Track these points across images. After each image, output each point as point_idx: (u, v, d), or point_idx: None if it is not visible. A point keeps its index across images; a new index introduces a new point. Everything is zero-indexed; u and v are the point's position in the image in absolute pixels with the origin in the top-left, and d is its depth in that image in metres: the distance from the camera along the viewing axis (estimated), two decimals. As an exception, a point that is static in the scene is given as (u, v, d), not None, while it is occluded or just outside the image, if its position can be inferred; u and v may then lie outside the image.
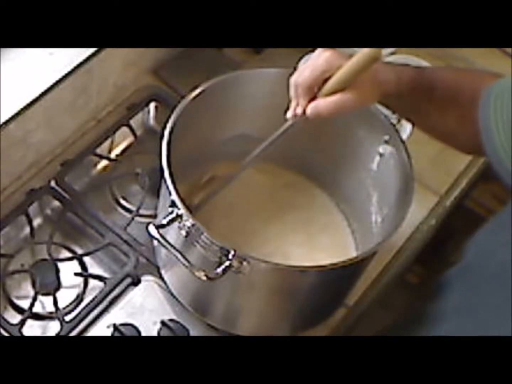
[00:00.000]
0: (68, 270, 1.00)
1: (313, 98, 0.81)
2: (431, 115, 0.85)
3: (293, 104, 0.84)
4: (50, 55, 1.01)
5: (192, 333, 0.95)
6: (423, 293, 0.94)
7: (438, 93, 0.83)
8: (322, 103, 0.80)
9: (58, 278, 0.99)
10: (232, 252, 0.78)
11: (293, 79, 0.83)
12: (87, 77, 1.06)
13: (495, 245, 0.82)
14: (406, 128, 1.12)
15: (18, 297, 0.99)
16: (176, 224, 0.82)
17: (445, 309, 0.85)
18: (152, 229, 0.80)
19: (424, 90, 0.84)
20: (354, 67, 0.78)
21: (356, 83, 0.79)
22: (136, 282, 0.99)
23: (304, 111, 0.82)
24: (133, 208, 1.06)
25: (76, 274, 1.00)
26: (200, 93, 0.90)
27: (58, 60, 1.01)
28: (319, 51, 0.83)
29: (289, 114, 0.85)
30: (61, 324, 0.94)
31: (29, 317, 0.95)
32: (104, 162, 1.12)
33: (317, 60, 0.81)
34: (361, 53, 0.78)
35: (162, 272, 0.97)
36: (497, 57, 1.28)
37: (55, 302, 0.96)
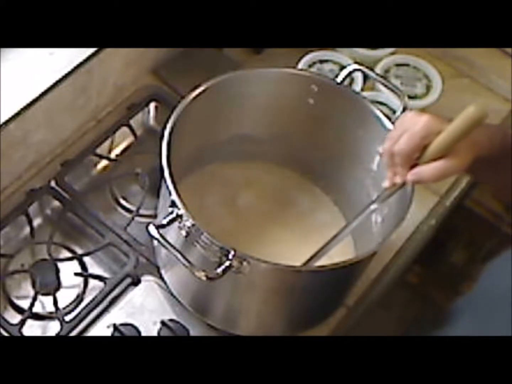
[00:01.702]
0: (68, 270, 1.00)
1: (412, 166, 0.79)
2: None
3: (389, 174, 0.81)
4: (50, 55, 1.01)
5: (192, 333, 0.95)
6: (423, 294, 0.94)
7: None
8: (426, 171, 0.77)
9: (58, 278, 0.99)
10: (232, 252, 0.78)
11: (387, 147, 0.80)
12: (87, 77, 1.06)
13: (507, 271, 0.81)
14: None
15: (18, 297, 0.99)
16: (176, 224, 0.82)
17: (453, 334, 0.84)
18: (152, 229, 0.80)
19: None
20: (457, 131, 0.75)
21: (454, 148, 0.76)
22: (136, 282, 0.99)
23: (403, 180, 0.80)
24: (133, 208, 1.06)
25: (76, 274, 1.00)
26: (200, 93, 0.90)
27: (58, 60, 1.01)
28: (413, 115, 0.79)
29: (387, 184, 0.82)
30: (61, 324, 0.94)
31: (29, 317, 0.95)
32: (104, 162, 1.12)
33: (414, 126, 0.77)
34: (464, 116, 0.74)
35: (162, 272, 0.97)
36: (497, 57, 1.28)
37: (55, 302, 0.96)
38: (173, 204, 0.81)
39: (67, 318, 0.95)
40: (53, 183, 1.05)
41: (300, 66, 1.18)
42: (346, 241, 1.01)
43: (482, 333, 0.78)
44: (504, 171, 0.83)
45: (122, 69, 1.14)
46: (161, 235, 0.80)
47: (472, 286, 0.88)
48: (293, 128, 1.01)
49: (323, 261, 0.84)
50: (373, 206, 0.86)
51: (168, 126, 0.87)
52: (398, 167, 0.80)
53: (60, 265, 1.00)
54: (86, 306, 0.96)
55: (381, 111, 0.92)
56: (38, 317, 0.97)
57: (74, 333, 0.94)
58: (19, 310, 0.98)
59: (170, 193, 0.81)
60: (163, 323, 0.95)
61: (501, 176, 0.84)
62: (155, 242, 0.81)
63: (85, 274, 1.01)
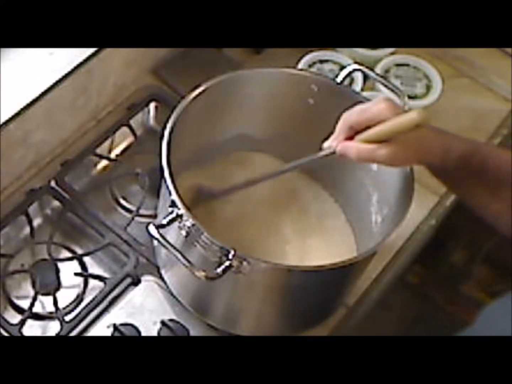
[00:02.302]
0: (68, 270, 1.00)
1: (351, 139, 0.81)
2: (479, 195, 0.82)
3: (333, 136, 0.83)
4: (50, 55, 1.01)
5: (192, 333, 0.95)
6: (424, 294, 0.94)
7: (490, 175, 0.80)
8: (354, 147, 0.79)
9: (58, 278, 0.99)
10: (232, 252, 0.78)
11: (345, 114, 0.82)
12: (87, 77, 1.06)
13: None
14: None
15: (18, 297, 0.99)
16: (176, 224, 0.82)
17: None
18: (152, 229, 0.80)
19: (473, 169, 0.80)
20: (394, 125, 0.76)
21: (397, 141, 0.77)
22: (136, 282, 0.99)
23: (334, 145, 0.82)
24: (133, 208, 1.06)
25: (76, 274, 1.00)
26: (200, 93, 0.90)
27: (58, 60, 1.01)
28: (380, 98, 0.80)
29: (326, 143, 0.84)
30: (61, 324, 0.94)
31: (29, 317, 0.95)
32: (104, 162, 1.12)
33: (372, 106, 0.79)
34: (407, 114, 0.76)
35: (162, 272, 0.97)
36: (497, 57, 1.28)
37: (55, 302, 0.96)
38: (173, 204, 0.81)
39: (67, 318, 0.95)
40: (53, 183, 1.05)
41: (300, 66, 1.18)
42: (347, 241, 1.01)
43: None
44: (472, 189, 0.82)
45: (122, 69, 1.14)
46: (161, 235, 0.80)
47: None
48: (293, 128, 1.01)
49: (323, 261, 0.83)
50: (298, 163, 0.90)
51: (168, 126, 0.87)
52: (338, 133, 0.82)
53: (60, 265, 1.00)
54: (86, 306, 0.96)
55: (381, 111, 0.92)
56: (38, 317, 0.97)
57: (74, 333, 0.94)
58: (19, 310, 0.98)
59: (170, 193, 0.81)
60: (163, 323, 0.95)
61: (469, 193, 0.84)
62: (155, 242, 0.81)
63: (85, 274, 1.01)
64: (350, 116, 0.81)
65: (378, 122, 0.78)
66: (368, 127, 0.79)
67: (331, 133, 0.99)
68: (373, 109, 0.79)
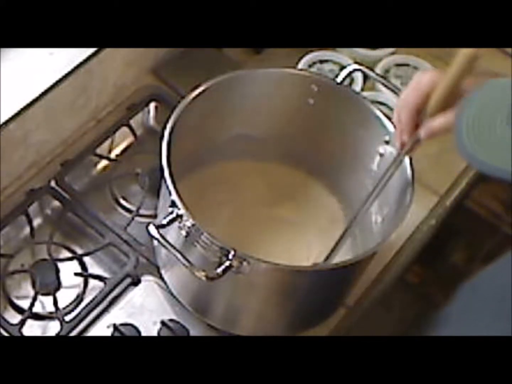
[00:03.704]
0: (68, 270, 1.00)
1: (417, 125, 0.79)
2: None
3: (396, 132, 0.82)
4: (50, 55, 1.01)
5: (192, 333, 0.95)
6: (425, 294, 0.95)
7: None
8: (436, 123, 0.77)
9: (58, 278, 0.99)
10: (232, 252, 0.78)
11: (397, 106, 0.80)
12: (87, 77, 1.06)
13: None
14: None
15: (18, 297, 0.99)
16: (176, 224, 0.82)
17: (450, 313, 0.85)
18: (152, 229, 0.80)
19: None
20: (455, 74, 0.75)
21: (460, 93, 0.75)
22: (136, 282, 0.99)
23: (411, 136, 0.80)
24: (133, 208, 1.06)
25: (76, 274, 1.00)
26: (200, 93, 0.90)
27: (58, 60, 1.01)
28: (418, 74, 0.80)
29: (397, 144, 0.82)
30: (61, 324, 0.94)
31: (29, 317, 0.95)
32: (104, 162, 1.12)
33: (419, 82, 0.78)
34: (459, 57, 0.74)
35: (162, 272, 0.97)
36: (497, 57, 1.27)
37: (55, 302, 0.96)
38: (173, 204, 0.81)
39: (67, 318, 0.95)
40: (53, 183, 1.05)
41: (300, 66, 1.18)
42: (349, 241, 1.01)
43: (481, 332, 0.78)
44: None
45: (122, 69, 1.14)
46: (161, 235, 0.80)
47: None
48: (293, 128, 1.01)
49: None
50: (390, 172, 0.86)
51: (168, 126, 0.87)
52: (405, 124, 0.79)
53: (60, 265, 1.00)
54: (86, 306, 0.96)
55: (381, 111, 0.92)
56: (38, 317, 0.97)
57: (74, 333, 0.94)
58: (19, 310, 0.98)
59: (170, 193, 0.81)
60: (163, 323, 0.95)
61: None
62: (155, 242, 0.81)
63: (85, 274, 1.01)
64: (409, 101, 0.78)
65: (433, 89, 0.77)
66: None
67: (331, 133, 0.99)
68: (424, 82, 0.77)
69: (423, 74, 0.79)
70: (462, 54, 0.74)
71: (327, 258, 0.90)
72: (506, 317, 0.78)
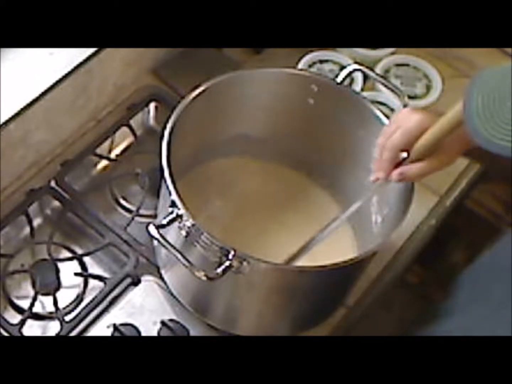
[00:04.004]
0: (68, 270, 1.00)
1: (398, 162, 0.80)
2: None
3: (375, 166, 0.82)
4: (50, 55, 1.01)
5: (192, 333, 0.95)
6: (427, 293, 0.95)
7: None
8: (410, 172, 0.79)
9: (58, 278, 0.99)
10: (232, 252, 0.78)
11: (380, 142, 0.81)
12: (87, 77, 1.06)
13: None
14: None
15: (18, 297, 0.99)
16: (176, 224, 0.82)
17: (460, 303, 0.86)
18: (152, 229, 0.80)
19: None
20: (446, 126, 0.75)
21: (444, 145, 0.77)
22: (136, 282, 0.99)
23: (387, 177, 0.81)
24: (133, 208, 1.06)
25: (76, 274, 1.00)
26: (200, 93, 0.90)
27: (58, 60, 1.01)
28: (405, 112, 0.80)
29: (372, 177, 0.83)
30: (61, 324, 0.94)
31: (29, 317, 0.95)
32: (104, 162, 1.12)
33: (408, 122, 0.78)
34: (453, 111, 0.74)
35: (162, 272, 0.97)
36: (497, 57, 1.28)
37: (55, 302, 0.96)
38: (173, 204, 0.81)
39: (67, 318, 0.95)
40: (53, 183, 1.05)
41: (300, 66, 1.18)
42: (347, 241, 1.01)
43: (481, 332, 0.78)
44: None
45: (122, 69, 1.14)
46: (161, 235, 0.80)
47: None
48: (293, 128, 1.01)
49: (323, 261, 0.83)
50: (357, 205, 0.87)
51: (168, 126, 0.87)
52: (385, 162, 0.80)
53: (60, 265, 1.00)
54: (86, 306, 0.96)
55: (381, 111, 0.92)
56: (38, 317, 0.97)
57: (74, 333, 0.94)
58: (19, 310, 0.98)
59: (170, 193, 0.81)
60: (163, 323, 0.95)
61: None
62: (155, 242, 0.81)
63: (85, 274, 1.01)
64: (394, 142, 0.79)
65: (421, 134, 0.77)
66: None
67: (331, 133, 0.99)
68: (412, 125, 0.78)
69: (410, 114, 0.79)
70: (457, 108, 0.74)
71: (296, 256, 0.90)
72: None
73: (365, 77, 1.16)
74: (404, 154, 0.80)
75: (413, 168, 0.79)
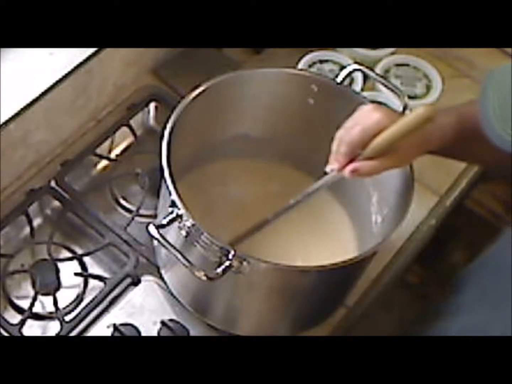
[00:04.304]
0: (68, 270, 1.00)
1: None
2: (484, 153, 0.81)
3: (332, 158, 0.83)
4: (50, 55, 1.01)
5: (192, 333, 0.95)
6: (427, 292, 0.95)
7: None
8: (363, 168, 0.80)
9: (58, 278, 0.99)
10: (232, 252, 0.78)
11: (339, 135, 0.82)
12: (87, 77, 1.06)
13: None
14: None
15: (18, 297, 0.99)
16: (176, 224, 0.82)
17: (461, 303, 0.86)
18: (152, 229, 0.80)
19: (468, 135, 0.81)
20: (405, 128, 0.76)
21: (399, 145, 0.78)
22: (136, 282, 0.99)
23: (341, 168, 0.82)
24: (133, 208, 1.06)
25: (76, 274, 1.00)
26: (200, 93, 0.90)
27: (58, 60, 1.01)
28: (367, 109, 0.81)
29: (329, 167, 0.84)
30: (61, 324, 0.94)
31: (29, 317, 0.95)
32: (104, 162, 1.12)
33: (367, 120, 0.79)
34: (413, 114, 0.75)
35: (162, 272, 0.97)
36: (497, 57, 1.28)
37: (55, 302, 0.96)
38: (173, 204, 0.81)
39: (67, 318, 0.95)
40: (53, 183, 1.05)
41: (300, 66, 1.18)
42: (347, 241, 1.01)
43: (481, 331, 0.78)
44: (475, 150, 0.84)
45: (122, 69, 1.14)
46: (161, 235, 0.80)
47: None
48: (293, 128, 1.01)
49: (323, 261, 0.83)
50: (309, 190, 0.89)
51: (168, 126, 0.87)
52: (341, 155, 0.81)
53: (60, 265, 1.00)
54: (86, 306, 0.96)
55: (381, 111, 0.92)
56: (38, 317, 0.97)
57: (74, 333, 0.94)
58: (19, 310, 0.98)
59: (170, 193, 0.81)
60: (163, 323, 0.95)
61: (474, 155, 0.86)
62: (155, 242, 0.81)
63: (85, 274, 1.01)
64: (351, 138, 0.80)
65: (379, 132, 0.78)
66: None
67: (331, 133, 0.99)
68: (371, 123, 0.79)
69: (371, 112, 0.80)
70: (417, 113, 0.75)
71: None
72: None
73: (365, 77, 1.16)
74: (360, 151, 0.81)
75: (366, 165, 0.79)
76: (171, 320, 0.95)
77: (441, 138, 0.81)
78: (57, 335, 0.94)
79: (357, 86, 1.16)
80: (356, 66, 0.96)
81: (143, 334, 0.94)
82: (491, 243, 0.90)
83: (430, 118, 0.75)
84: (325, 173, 0.84)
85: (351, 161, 0.81)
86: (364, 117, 0.80)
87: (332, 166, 0.83)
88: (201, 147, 0.99)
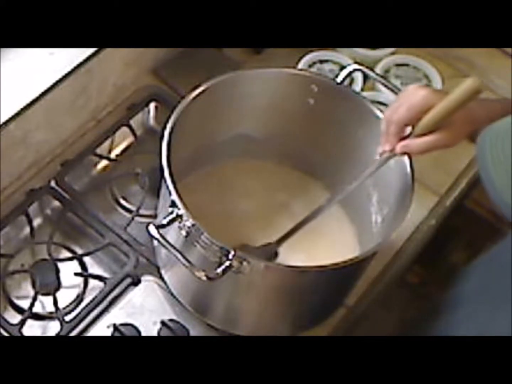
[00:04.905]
0: (68, 270, 1.00)
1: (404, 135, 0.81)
2: None
3: (382, 139, 0.84)
4: (50, 55, 1.01)
5: (192, 333, 0.95)
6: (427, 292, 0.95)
7: None
8: (414, 144, 0.80)
9: (58, 278, 0.99)
10: (232, 252, 0.78)
11: (386, 116, 0.82)
12: (87, 77, 1.06)
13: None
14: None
15: (18, 297, 0.99)
16: (176, 224, 0.82)
17: (461, 295, 0.86)
18: (152, 229, 0.80)
19: None
20: (452, 104, 0.76)
21: (450, 121, 0.78)
22: (136, 282, 0.99)
23: (392, 149, 0.82)
24: (133, 208, 1.06)
25: (76, 274, 1.00)
26: (200, 93, 0.90)
27: (58, 60, 1.01)
28: (412, 88, 0.81)
29: (379, 150, 0.84)
30: (61, 324, 0.94)
31: (29, 317, 0.95)
32: (104, 162, 1.12)
33: (413, 98, 0.80)
34: (461, 89, 0.75)
35: (162, 272, 0.97)
36: (497, 57, 1.28)
37: (55, 302, 0.96)
38: (173, 204, 0.81)
39: (67, 318, 0.95)
40: (53, 183, 1.05)
41: (300, 66, 1.18)
42: (347, 241, 1.01)
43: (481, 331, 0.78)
44: None
45: (122, 69, 1.14)
46: (161, 235, 0.80)
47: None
48: (293, 128, 1.01)
49: (324, 261, 0.83)
50: (364, 176, 0.88)
51: (168, 126, 0.87)
52: (391, 136, 0.82)
53: (60, 265, 1.00)
54: (86, 306, 0.96)
55: (381, 111, 0.92)
56: (38, 317, 0.97)
57: (74, 333, 0.94)
58: (19, 310, 0.98)
59: (170, 193, 0.81)
60: (163, 323, 0.95)
61: None
62: (155, 242, 0.81)
63: (85, 274, 1.01)
64: (398, 117, 0.80)
65: (428, 110, 0.78)
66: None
67: (331, 133, 0.99)
68: (417, 100, 0.79)
69: (416, 90, 0.80)
70: (466, 85, 0.75)
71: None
72: None
73: (365, 77, 1.16)
74: (410, 129, 0.81)
75: (416, 142, 0.80)
76: (171, 320, 0.95)
77: (488, 121, 0.81)
78: (57, 335, 0.94)
79: (357, 86, 1.16)
80: (356, 66, 0.96)
81: (143, 334, 0.94)
82: (492, 243, 0.90)
83: (478, 90, 0.75)
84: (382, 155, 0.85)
85: (402, 141, 0.81)
86: (410, 95, 0.80)
87: (384, 148, 0.83)
88: (201, 147, 0.99)
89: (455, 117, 0.77)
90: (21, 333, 0.93)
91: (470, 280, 0.89)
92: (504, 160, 0.64)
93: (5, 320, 0.94)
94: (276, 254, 0.96)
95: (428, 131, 0.79)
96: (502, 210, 0.64)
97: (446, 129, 0.78)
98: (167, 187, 0.82)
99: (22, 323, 0.94)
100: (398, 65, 1.21)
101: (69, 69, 1.02)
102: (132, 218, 1.04)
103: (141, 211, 1.05)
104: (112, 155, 1.13)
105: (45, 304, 0.99)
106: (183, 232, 0.82)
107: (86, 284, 1.01)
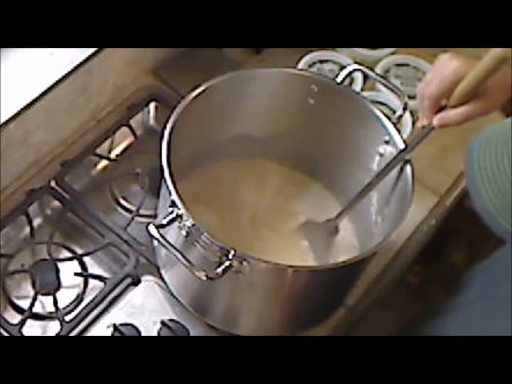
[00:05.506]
0: (68, 270, 1.00)
1: (440, 108, 0.81)
2: None
3: (420, 115, 0.84)
4: (50, 55, 1.01)
5: (192, 333, 0.95)
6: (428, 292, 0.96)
7: None
8: (451, 115, 0.80)
9: (58, 278, 0.99)
10: (232, 252, 0.78)
11: (420, 90, 0.83)
12: (87, 77, 1.06)
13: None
14: (406, 128, 1.12)
15: (18, 297, 0.99)
16: (176, 224, 0.82)
17: (462, 301, 0.86)
18: (152, 229, 0.80)
19: None
20: (482, 72, 0.76)
21: (484, 89, 0.78)
22: (136, 282, 0.99)
23: (429, 123, 0.83)
24: (133, 208, 1.06)
25: (76, 274, 1.00)
26: (200, 93, 0.90)
27: (58, 60, 1.01)
28: (444, 59, 0.82)
29: (418, 124, 0.85)
30: (61, 324, 0.94)
31: (29, 317, 0.95)
32: (104, 162, 1.12)
33: (445, 70, 0.80)
34: (489, 56, 0.76)
35: (162, 272, 0.97)
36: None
37: (55, 302, 0.96)
38: (173, 204, 0.81)
39: (67, 318, 0.95)
40: (53, 183, 1.05)
41: (300, 66, 1.18)
42: (347, 241, 1.01)
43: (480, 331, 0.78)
44: None
45: (122, 69, 1.14)
46: (161, 235, 0.80)
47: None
48: (293, 128, 1.01)
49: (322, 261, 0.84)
50: (404, 154, 0.88)
51: (168, 126, 0.87)
52: (426, 110, 0.82)
53: (60, 265, 1.00)
54: (86, 306, 0.96)
55: (381, 111, 0.93)
56: (38, 317, 0.97)
57: (74, 333, 0.94)
58: (19, 310, 0.98)
59: (170, 193, 0.81)
60: (163, 323, 0.95)
61: None
62: (155, 242, 0.81)
63: (85, 274, 1.01)
64: (432, 90, 0.81)
65: (459, 81, 0.78)
66: None
67: (331, 133, 0.99)
68: (448, 73, 0.79)
69: (448, 62, 0.80)
70: (493, 54, 0.75)
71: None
72: None
73: (365, 77, 1.16)
74: (445, 102, 0.81)
75: (452, 113, 0.80)
76: (171, 320, 0.95)
77: None
78: (57, 335, 0.94)
79: (357, 86, 1.16)
80: (356, 66, 0.96)
81: (143, 334, 0.94)
82: (492, 243, 0.90)
83: (506, 58, 0.75)
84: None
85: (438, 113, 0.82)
86: (442, 67, 0.81)
87: (422, 123, 0.84)
88: (201, 147, 0.99)
89: (490, 84, 0.77)
90: (21, 333, 0.93)
91: (468, 285, 0.89)
92: (491, 172, 0.64)
93: (5, 320, 0.94)
94: (336, 229, 0.97)
95: (463, 101, 0.79)
96: (488, 224, 0.65)
97: (481, 98, 0.78)
98: (167, 187, 0.82)
99: (22, 323, 0.94)
100: (398, 65, 1.22)
101: (69, 69, 1.02)
102: (132, 218, 1.04)
103: (141, 211, 1.05)
104: (112, 155, 1.13)
105: (45, 304, 0.99)
106: (183, 232, 0.82)
107: (86, 284, 1.01)
